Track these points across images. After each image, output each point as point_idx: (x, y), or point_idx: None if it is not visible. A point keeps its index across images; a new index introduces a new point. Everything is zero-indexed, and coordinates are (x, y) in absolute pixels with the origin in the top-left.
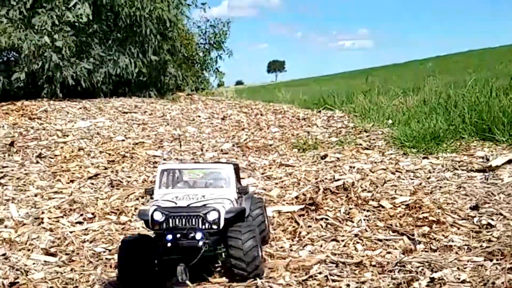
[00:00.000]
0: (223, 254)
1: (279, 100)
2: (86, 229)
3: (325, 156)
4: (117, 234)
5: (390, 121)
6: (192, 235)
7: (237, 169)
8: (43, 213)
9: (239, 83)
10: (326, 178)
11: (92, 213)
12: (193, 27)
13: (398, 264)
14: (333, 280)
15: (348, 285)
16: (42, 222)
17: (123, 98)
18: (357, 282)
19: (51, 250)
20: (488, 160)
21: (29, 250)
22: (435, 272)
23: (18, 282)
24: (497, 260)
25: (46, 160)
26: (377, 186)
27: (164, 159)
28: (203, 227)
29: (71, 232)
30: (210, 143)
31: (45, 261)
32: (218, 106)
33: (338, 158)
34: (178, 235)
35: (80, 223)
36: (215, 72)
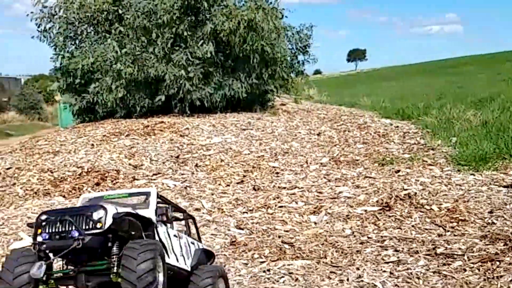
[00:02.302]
0: (118, 274)
1: (361, 104)
2: (250, 216)
3: (398, 170)
4: (270, 219)
5: (454, 139)
6: (70, 234)
7: (194, 221)
8: (221, 205)
9: (317, 72)
10: (398, 188)
11: (250, 207)
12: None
13: (431, 241)
14: (396, 248)
15: (403, 248)
16: (223, 211)
17: (235, 114)
18: (408, 248)
19: (240, 226)
20: None
21: (226, 226)
22: (448, 245)
23: (235, 241)
24: (484, 240)
25: (202, 169)
26: (432, 195)
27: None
28: (86, 226)
29: (243, 217)
30: (312, 157)
31: (238, 233)
32: (312, 121)
33: (407, 173)
34: (56, 236)
35: (246, 212)
36: (300, 75)
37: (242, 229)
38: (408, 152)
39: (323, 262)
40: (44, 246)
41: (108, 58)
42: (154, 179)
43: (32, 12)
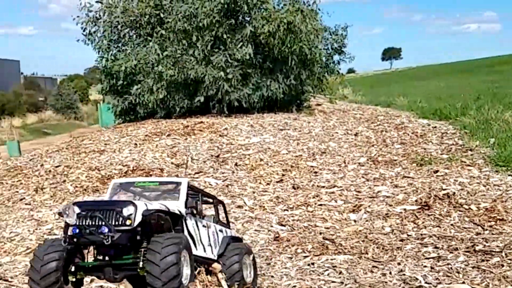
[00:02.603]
0: (144, 268)
1: (396, 104)
2: (291, 214)
3: (437, 171)
4: (310, 216)
5: (492, 140)
6: (100, 230)
7: (223, 206)
8: (262, 203)
9: (350, 71)
10: (436, 188)
11: (291, 205)
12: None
13: (470, 239)
14: (436, 245)
15: (442, 245)
16: (265, 208)
17: (272, 114)
18: (447, 245)
19: (282, 222)
20: None
21: (268, 223)
22: (487, 242)
23: (278, 236)
24: None
25: (241, 168)
26: (471, 195)
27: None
28: (116, 222)
29: (284, 214)
30: (349, 157)
31: (281, 229)
32: (349, 121)
33: (446, 173)
34: (86, 230)
35: (287, 210)
36: (336, 75)
37: (284, 225)
38: (446, 152)
39: (364, 257)
40: (75, 240)
41: (150, 60)
42: (197, 178)
43: (78, 16)
